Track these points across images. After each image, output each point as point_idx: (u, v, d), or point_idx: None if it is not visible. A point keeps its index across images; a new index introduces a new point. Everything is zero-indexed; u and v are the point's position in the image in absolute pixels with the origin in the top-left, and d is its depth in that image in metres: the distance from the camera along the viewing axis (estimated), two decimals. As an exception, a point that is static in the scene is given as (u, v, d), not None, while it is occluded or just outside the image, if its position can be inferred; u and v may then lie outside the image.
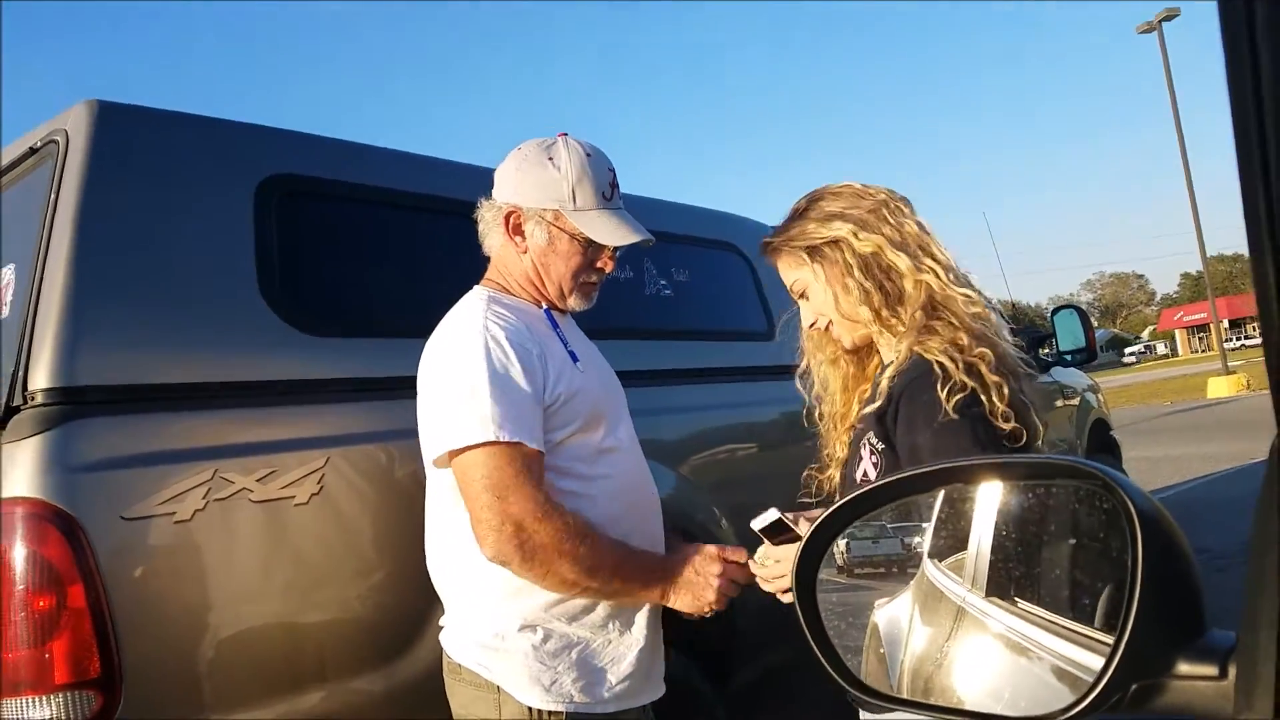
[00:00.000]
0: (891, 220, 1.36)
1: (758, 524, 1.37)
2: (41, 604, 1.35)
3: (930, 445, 1.23)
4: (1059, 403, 4.63)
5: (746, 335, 2.91)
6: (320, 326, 1.79)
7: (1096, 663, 0.54)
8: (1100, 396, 5.28)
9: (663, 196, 3.08)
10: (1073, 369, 4.82)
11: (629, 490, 1.57)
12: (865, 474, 1.36)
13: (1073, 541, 0.72)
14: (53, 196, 1.56)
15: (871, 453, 1.34)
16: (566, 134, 1.59)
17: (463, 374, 1.41)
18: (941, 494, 0.82)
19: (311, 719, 1.57)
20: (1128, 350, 70.30)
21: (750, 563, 1.46)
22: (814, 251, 1.39)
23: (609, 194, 1.56)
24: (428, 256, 2.10)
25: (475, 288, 1.60)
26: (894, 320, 1.34)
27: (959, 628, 0.81)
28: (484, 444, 1.36)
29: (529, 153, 1.56)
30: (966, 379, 1.22)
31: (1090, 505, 0.64)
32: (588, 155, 1.55)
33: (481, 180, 1.66)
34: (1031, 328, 5.46)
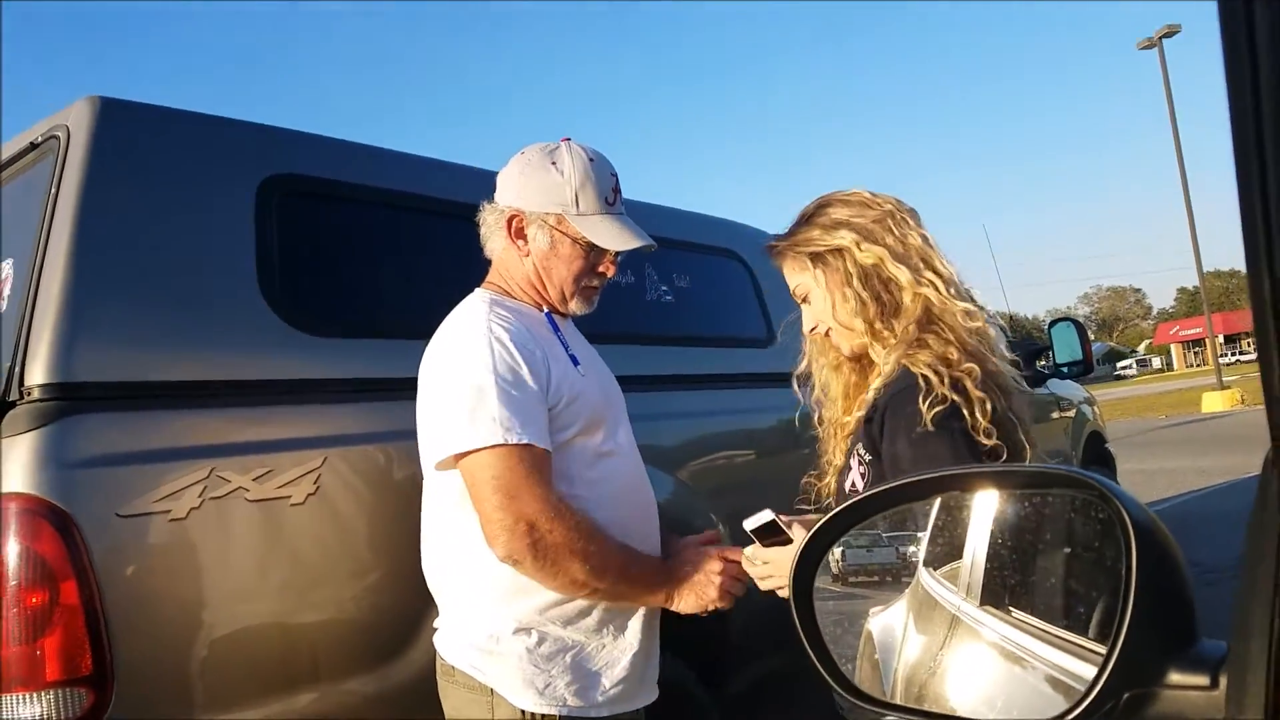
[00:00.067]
0: (896, 231, 1.38)
1: (750, 524, 1.38)
2: (34, 600, 1.34)
3: (909, 456, 1.24)
4: (1055, 415, 4.64)
5: (746, 342, 2.92)
6: (319, 326, 1.79)
7: (1089, 671, 0.55)
8: (1096, 409, 5.29)
9: (663, 202, 3.09)
10: (1069, 381, 4.84)
11: (626, 494, 1.58)
12: (854, 484, 1.38)
13: (1067, 551, 0.72)
14: (53, 192, 1.56)
15: (860, 463, 1.36)
16: (569, 139, 1.59)
17: (469, 376, 1.41)
18: (938, 502, 0.82)
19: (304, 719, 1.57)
20: (1119, 365, 69.34)
21: (743, 559, 1.47)
22: (817, 258, 1.40)
23: (611, 199, 1.57)
24: (428, 258, 2.10)
25: (476, 290, 1.60)
26: (887, 333, 1.36)
27: (953, 636, 0.82)
28: (494, 446, 1.37)
29: (532, 157, 1.57)
30: (950, 393, 1.24)
31: (1085, 515, 0.65)
32: (591, 160, 1.56)
33: (483, 183, 1.66)
34: (1029, 340, 5.48)
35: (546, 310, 1.60)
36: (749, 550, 1.43)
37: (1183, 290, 79.62)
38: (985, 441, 1.23)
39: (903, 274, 1.35)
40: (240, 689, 1.52)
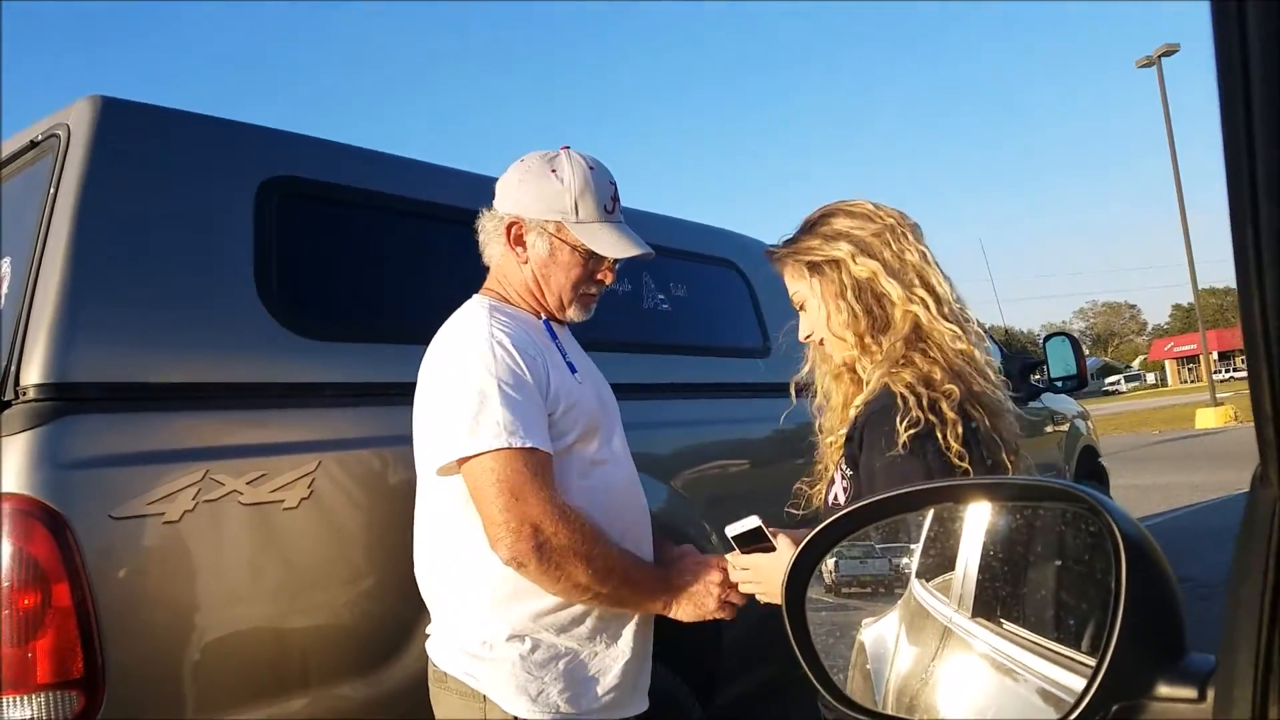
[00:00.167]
0: (894, 246, 1.38)
1: (733, 530, 1.38)
2: (26, 602, 1.34)
3: (884, 474, 1.25)
4: (1049, 428, 4.65)
5: (742, 351, 2.92)
6: (316, 330, 1.79)
7: (1078, 683, 0.55)
8: (1090, 424, 5.31)
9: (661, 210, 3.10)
10: (1063, 395, 4.85)
11: (620, 502, 1.58)
12: (836, 496, 1.39)
13: (1058, 564, 0.73)
14: (52, 191, 1.56)
15: (842, 477, 1.38)
16: (569, 146, 1.60)
17: (471, 380, 1.41)
18: (930, 514, 0.83)
19: (294, 724, 1.56)
20: (1107, 380, 66.95)
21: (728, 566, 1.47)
22: (814, 267, 1.41)
23: (610, 207, 1.58)
24: (426, 264, 2.10)
25: (474, 296, 1.60)
26: (875, 347, 1.37)
27: (944, 647, 0.82)
28: (498, 449, 1.37)
29: (532, 164, 1.57)
30: (926, 414, 1.24)
31: (1076, 529, 0.65)
32: (590, 168, 1.57)
33: (482, 189, 1.67)
34: (1024, 354, 5.50)
35: (544, 317, 1.60)
36: (730, 556, 1.44)
37: (1178, 307, 80.00)
38: (959, 463, 1.24)
39: (895, 289, 1.35)
40: (232, 693, 1.52)
